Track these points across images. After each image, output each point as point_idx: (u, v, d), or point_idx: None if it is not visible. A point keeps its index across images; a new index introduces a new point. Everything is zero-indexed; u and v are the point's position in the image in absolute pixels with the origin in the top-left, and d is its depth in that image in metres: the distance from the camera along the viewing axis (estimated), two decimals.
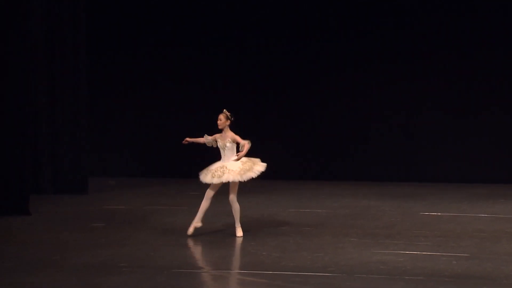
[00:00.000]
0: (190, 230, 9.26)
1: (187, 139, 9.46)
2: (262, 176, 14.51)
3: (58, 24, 12.71)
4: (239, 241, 9.13)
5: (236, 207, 9.32)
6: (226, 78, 14.72)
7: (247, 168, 9.20)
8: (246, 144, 9.24)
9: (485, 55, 13.96)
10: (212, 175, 9.16)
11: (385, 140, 14.39)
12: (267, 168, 14.73)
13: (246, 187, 13.48)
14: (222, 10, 14.69)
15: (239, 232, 9.26)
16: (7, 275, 7.60)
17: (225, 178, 9.12)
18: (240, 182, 9.28)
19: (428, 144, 14.27)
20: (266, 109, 14.82)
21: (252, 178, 9.34)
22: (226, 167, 9.18)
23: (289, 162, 14.77)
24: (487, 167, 13.97)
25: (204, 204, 9.31)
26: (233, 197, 9.30)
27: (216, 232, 9.62)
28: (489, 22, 13.95)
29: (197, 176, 9.47)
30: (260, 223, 10.25)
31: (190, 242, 9.09)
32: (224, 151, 9.32)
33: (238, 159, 9.18)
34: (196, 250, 8.70)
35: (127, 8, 14.85)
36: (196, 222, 9.29)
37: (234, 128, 14.54)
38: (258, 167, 9.33)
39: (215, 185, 9.24)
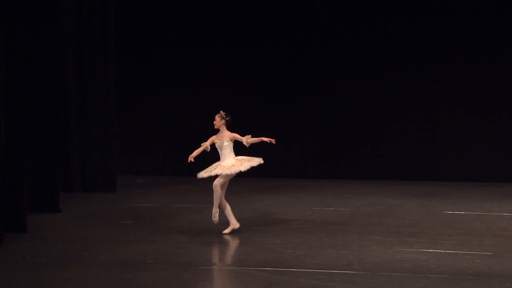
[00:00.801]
0: (227, 230, 9.31)
1: (190, 157, 9.43)
2: (288, 174, 14.62)
3: (88, 25, 12.81)
4: (264, 239, 9.14)
5: (217, 193, 9.28)
6: (256, 79, 14.74)
7: (239, 164, 9.19)
8: (250, 137, 9.22)
9: (510, 54, 13.87)
10: (205, 171, 9.21)
11: (409, 139, 14.33)
12: (294, 167, 14.86)
13: (270, 187, 13.54)
14: (245, 12, 14.70)
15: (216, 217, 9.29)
16: (39, 271, 7.68)
17: (214, 172, 9.14)
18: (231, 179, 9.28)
19: (452, 143, 14.19)
20: (292, 109, 14.82)
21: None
22: (220, 164, 9.22)
23: (313, 161, 14.77)
24: (511, 165, 13.88)
25: (226, 206, 9.33)
26: (217, 183, 9.26)
27: (241, 230, 9.64)
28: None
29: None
30: (285, 221, 10.26)
31: (216, 240, 9.12)
32: (221, 150, 9.33)
33: (249, 143, 9.17)
34: (222, 247, 8.73)
35: (156, 7, 14.90)
36: (234, 224, 9.33)
37: (260, 127, 14.62)
38: (250, 162, 9.24)
39: (222, 184, 9.20)
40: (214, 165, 9.34)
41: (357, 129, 14.57)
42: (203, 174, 9.31)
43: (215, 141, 9.40)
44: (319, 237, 9.21)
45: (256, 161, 9.29)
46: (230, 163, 9.21)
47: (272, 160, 14.96)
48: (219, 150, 9.39)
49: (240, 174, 11.69)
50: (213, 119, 9.53)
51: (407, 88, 14.32)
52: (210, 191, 13.01)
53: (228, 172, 9.16)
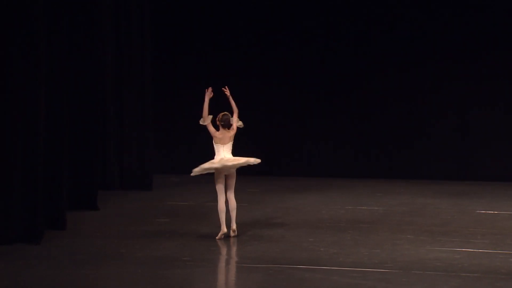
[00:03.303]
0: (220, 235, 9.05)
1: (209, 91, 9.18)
2: (320, 173, 14.58)
3: (126, 26, 12.91)
4: (297, 237, 9.12)
5: (233, 205, 9.09)
6: (287, 78, 14.73)
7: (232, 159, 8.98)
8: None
9: None
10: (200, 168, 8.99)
11: (442, 138, 14.21)
12: (326, 166, 14.80)
13: (303, 185, 13.51)
14: (282, 12, 14.69)
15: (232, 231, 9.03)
16: (78, 267, 7.75)
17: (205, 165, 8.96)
18: (236, 179, 9.08)
19: (485, 142, 14.05)
20: (325, 108, 14.78)
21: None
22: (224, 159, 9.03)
23: (346, 160, 14.71)
24: None
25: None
26: (230, 194, 9.10)
27: (275, 228, 9.64)
28: None
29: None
30: (318, 220, 10.23)
31: (249, 237, 9.12)
32: (224, 146, 9.14)
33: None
34: (256, 245, 8.73)
35: (190, 8, 14.95)
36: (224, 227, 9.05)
37: (292, 126, 14.50)
38: (242, 160, 9.02)
39: (220, 180, 9.01)
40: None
41: (390, 128, 14.49)
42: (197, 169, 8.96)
43: (220, 137, 9.11)
44: (352, 236, 9.17)
45: (249, 160, 9.02)
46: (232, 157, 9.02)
47: (304, 159, 15.01)
48: (221, 146, 9.09)
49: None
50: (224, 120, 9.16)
51: (441, 87, 14.21)
52: (243, 189, 13.07)
53: (217, 166, 8.95)
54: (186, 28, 14.97)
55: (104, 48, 12.32)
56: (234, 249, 8.53)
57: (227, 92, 9.31)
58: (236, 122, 9.22)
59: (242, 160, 9.09)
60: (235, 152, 9.27)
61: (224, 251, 8.46)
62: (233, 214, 9.12)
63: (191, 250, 8.47)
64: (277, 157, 14.74)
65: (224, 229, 8.98)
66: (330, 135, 14.66)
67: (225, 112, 9.22)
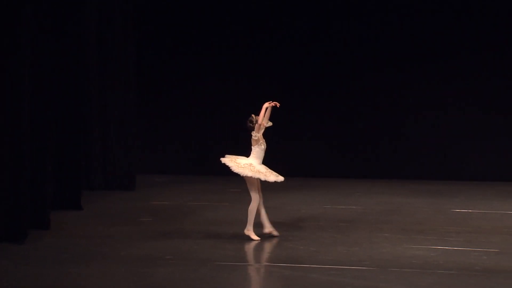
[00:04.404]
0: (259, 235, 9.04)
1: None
2: (300, 173, 14.61)
3: (109, 25, 12.84)
4: (277, 235, 9.14)
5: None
6: (269, 77, 14.75)
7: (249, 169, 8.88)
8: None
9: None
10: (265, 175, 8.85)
11: (419, 138, 14.30)
12: (306, 165, 14.84)
13: (283, 185, 13.52)
14: (266, 11, 14.70)
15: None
16: (62, 266, 7.72)
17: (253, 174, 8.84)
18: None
19: (460, 142, 14.16)
20: (305, 108, 14.82)
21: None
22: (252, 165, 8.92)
23: (325, 159, 14.77)
24: None
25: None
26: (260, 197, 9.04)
27: (255, 227, 9.66)
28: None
29: (237, 174, 9.33)
30: (298, 219, 10.26)
31: (230, 236, 9.14)
32: (255, 147, 9.04)
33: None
34: (236, 244, 8.75)
35: (175, 7, 14.92)
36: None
37: (273, 126, 14.37)
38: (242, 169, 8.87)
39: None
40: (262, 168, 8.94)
41: (368, 129, 14.56)
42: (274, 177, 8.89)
43: (260, 137, 9.00)
44: (331, 234, 9.21)
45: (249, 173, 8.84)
46: (242, 162, 8.95)
47: (284, 158, 15.04)
48: (259, 146, 8.97)
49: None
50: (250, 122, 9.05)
51: (418, 88, 14.29)
52: (225, 189, 13.10)
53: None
54: (170, 27, 14.93)
55: (87, 48, 12.27)
56: (215, 248, 8.53)
57: (272, 104, 9.08)
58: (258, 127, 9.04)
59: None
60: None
61: (205, 250, 8.46)
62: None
63: (174, 249, 8.47)
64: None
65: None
66: (310, 135, 14.71)
67: (252, 115, 9.10)
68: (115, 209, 11.14)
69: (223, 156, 9.18)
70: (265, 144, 9.03)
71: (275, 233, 9.02)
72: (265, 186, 13.76)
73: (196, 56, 14.88)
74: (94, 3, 12.62)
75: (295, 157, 14.79)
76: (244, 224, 9.55)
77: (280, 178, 8.94)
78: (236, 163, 8.91)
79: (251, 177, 8.83)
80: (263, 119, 9.00)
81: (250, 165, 8.88)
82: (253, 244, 8.75)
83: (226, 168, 8.91)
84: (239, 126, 14.98)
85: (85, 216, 10.50)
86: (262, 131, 9.02)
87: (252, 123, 9.04)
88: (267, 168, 8.98)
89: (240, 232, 9.32)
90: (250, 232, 8.95)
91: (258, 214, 9.03)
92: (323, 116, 14.73)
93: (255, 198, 8.96)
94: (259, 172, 8.82)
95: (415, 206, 11.30)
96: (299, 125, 14.74)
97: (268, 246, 8.59)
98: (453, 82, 14.16)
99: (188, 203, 11.61)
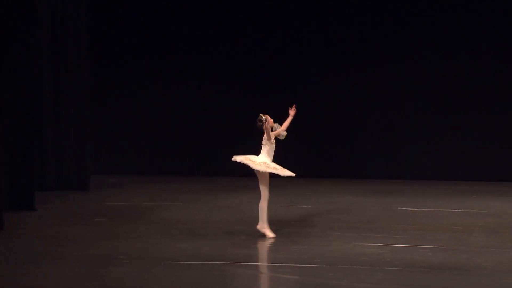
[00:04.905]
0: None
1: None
2: (253, 173, 14.63)
3: (62, 27, 12.68)
4: (230, 234, 9.18)
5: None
6: (226, 78, 14.76)
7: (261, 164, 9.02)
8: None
9: (469, 55, 14.06)
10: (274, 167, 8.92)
11: (368, 139, 14.46)
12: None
13: (237, 185, 13.58)
14: (224, 11, 14.69)
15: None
16: (16, 266, 7.63)
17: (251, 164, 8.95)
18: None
19: (407, 143, 14.35)
20: (258, 108, 14.83)
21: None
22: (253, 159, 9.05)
23: (277, 159, 14.82)
24: (462, 165, 14.09)
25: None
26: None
27: (208, 226, 9.68)
28: (475, 22, 14.01)
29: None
30: (250, 218, 10.30)
31: (184, 235, 9.14)
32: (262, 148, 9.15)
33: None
34: (190, 243, 8.75)
35: (129, 9, 14.84)
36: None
37: (230, 127, 14.43)
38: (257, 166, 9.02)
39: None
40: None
41: (318, 128, 14.66)
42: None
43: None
44: (283, 233, 9.27)
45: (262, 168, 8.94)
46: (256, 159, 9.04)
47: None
48: (270, 144, 9.07)
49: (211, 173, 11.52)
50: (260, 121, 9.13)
51: (367, 89, 14.43)
52: (179, 189, 13.08)
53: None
54: (127, 27, 14.83)
55: (41, 48, 12.13)
56: (169, 247, 8.53)
57: (293, 112, 9.19)
58: (274, 131, 9.13)
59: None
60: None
61: (159, 249, 8.45)
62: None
63: (127, 249, 8.43)
64: (211, 157, 14.76)
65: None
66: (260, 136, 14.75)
67: (260, 114, 9.17)
68: (69, 210, 11.03)
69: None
70: (275, 142, 9.11)
71: (268, 233, 8.91)
72: (218, 186, 13.77)
73: (153, 58, 14.82)
74: (47, 10, 12.49)
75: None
76: (196, 223, 9.55)
77: (292, 174, 9.00)
78: (251, 161, 8.93)
79: (265, 174, 8.85)
80: (271, 131, 9.09)
81: (264, 163, 8.94)
82: (206, 242, 8.76)
83: (240, 167, 8.96)
84: (194, 127, 15.03)
85: (39, 217, 10.39)
86: (273, 136, 9.07)
87: (262, 122, 9.08)
88: (278, 165, 9.02)
89: (193, 231, 9.32)
90: (265, 229, 8.90)
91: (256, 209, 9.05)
92: (275, 115, 14.79)
93: (266, 196, 8.99)
94: (275, 168, 8.92)
95: (365, 205, 11.44)
96: (252, 125, 14.76)
97: (221, 245, 8.61)
98: (401, 83, 14.34)
99: (142, 203, 11.56)
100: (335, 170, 14.54)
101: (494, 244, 8.61)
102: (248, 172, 15.28)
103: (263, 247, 8.49)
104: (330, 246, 8.54)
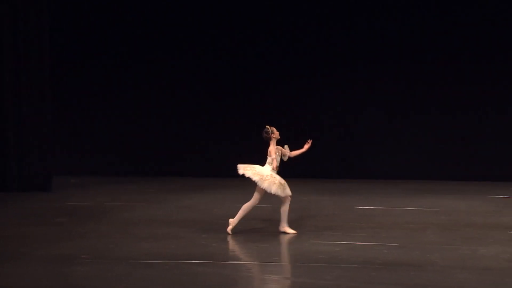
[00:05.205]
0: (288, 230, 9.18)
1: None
2: (214, 173, 14.70)
3: (24, 27, 12.58)
4: (191, 233, 9.22)
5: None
6: (190, 79, 14.78)
7: (265, 179, 9.12)
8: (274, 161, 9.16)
9: (421, 59, 14.29)
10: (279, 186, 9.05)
11: (325, 138, 14.60)
12: (220, 166, 14.94)
13: (199, 185, 13.61)
14: (191, 13, 14.71)
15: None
16: None
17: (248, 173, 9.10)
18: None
19: (364, 142, 14.52)
20: (219, 110, 14.91)
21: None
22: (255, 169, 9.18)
23: (238, 160, 14.89)
24: (416, 164, 14.33)
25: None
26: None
27: (171, 226, 9.71)
28: (424, 24, 14.24)
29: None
30: (211, 218, 10.35)
31: (146, 235, 9.16)
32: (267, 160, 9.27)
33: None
34: (152, 242, 8.78)
35: (92, 8, 14.77)
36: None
37: (194, 127, 14.27)
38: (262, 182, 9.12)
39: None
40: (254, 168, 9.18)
41: (278, 129, 14.75)
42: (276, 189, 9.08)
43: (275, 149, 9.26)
44: (243, 232, 9.34)
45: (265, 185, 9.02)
46: (264, 173, 9.15)
47: (199, 159, 15.11)
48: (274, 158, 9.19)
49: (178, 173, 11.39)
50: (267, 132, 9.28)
51: (324, 89, 14.57)
52: (142, 190, 13.06)
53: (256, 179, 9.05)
54: (86, 31, 14.77)
55: (1, 51, 12.02)
56: (131, 247, 8.55)
57: (307, 146, 9.36)
58: (280, 152, 9.24)
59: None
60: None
61: (121, 248, 8.47)
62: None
63: (90, 249, 8.43)
64: (174, 157, 14.77)
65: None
66: (224, 136, 14.82)
67: (266, 126, 9.30)
68: (31, 210, 10.96)
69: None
70: (283, 150, 9.33)
71: (289, 230, 9.14)
72: (180, 186, 13.75)
73: (116, 57, 14.77)
74: (9, 10, 12.38)
75: (209, 157, 14.87)
76: (158, 222, 9.57)
77: (289, 193, 9.15)
78: (259, 175, 9.05)
79: (264, 186, 8.97)
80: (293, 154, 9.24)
81: (271, 175, 9.09)
82: (168, 242, 8.80)
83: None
84: (157, 127, 15.01)
85: (1, 217, 10.30)
86: (277, 160, 9.19)
87: (268, 134, 9.25)
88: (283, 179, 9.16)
89: (156, 231, 9.35)
90: (286, 228, 9.05)
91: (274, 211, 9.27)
92: (237, 116, 14.87)
93: (255, 202, 9.16)
94: (280, 185, 9.07)
95: (322, 203, 11.57)
96: (214, 126, 14.83)
97: (183, 244, 8.66)
98: (359, 84, 14.51)
99: (105, 203, 11.54)
100: (293, 169, 14.64)
101: (446, 241, 8.79)
102: (211, 173, 15.33)
103: (222, 246, 8.56)
104: (288, 244, 8.64)
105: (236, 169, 8.92)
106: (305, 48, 14.55)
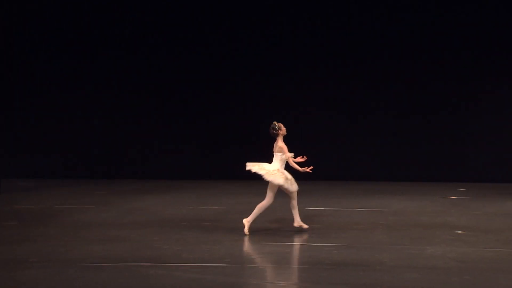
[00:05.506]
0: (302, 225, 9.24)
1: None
2: (164, 176, 14.63)
3: None
4: (143, 236, 9.15)
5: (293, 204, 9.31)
6: (142, 82, 14.71)
7: (274, 174, 9.16)
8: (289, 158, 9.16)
9: (364, 62, 14.48)
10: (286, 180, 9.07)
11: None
12: (169, 168, 14.90)
13: (152, 187, 13.53)
14: (124, 15, 14.64)
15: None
16: None
17: (258, 171, 9.11)
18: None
19: (314, 144, 14.64)
20: (165, 112, 14.86)
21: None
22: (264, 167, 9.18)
23: (189, 161, 14.85)
24: (365, 166, 14.49)
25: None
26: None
27: (121, 228, 9.62)
28: (373, 26, 14.44)
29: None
30: (162, 220, 10.30)
31: (97, 237, 9.06)
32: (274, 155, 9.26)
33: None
34: (102, 245, 8.68)
35: (38, 13, 14.60)
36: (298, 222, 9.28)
37: (141, 129, 14.28)
38: (273, 176, 9.18)
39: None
40: (262, 165, 9.19)
41: (228, 130, 14.79)
42: (284, 181, 9.11)
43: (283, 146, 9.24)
44: (194, 234, 9.31)
45: (281, 181, 9.07)
46: (270, 168, 9.17)
47: (150, 161, 15.02)
48: (282, 153, 9.20)
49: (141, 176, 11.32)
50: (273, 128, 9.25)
51: (264, 92, 14.67)
52: (91, 193, 12.91)
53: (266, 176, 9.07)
54: (33, 32, 14.57)
55: None
56: (81, 249, 8.43)
57: (306, 170, 9.33)
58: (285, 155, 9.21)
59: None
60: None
61: (71, 251, 8.35)
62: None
63: (39, 252, 8.29)
64: (124, 160, 14.66)
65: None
66: (171, 138, 14.77)
67: (274, 122, 9.25)
68: None
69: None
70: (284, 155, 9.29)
71: (304, 226, 9.30)
72: (130, 189, 13.63)
73: (63, 59, 14.63)
74: None
75: (159, 160, 14.80)
76: (108, 225, 9.47)
77: (297, 188, 9.27)
78: (265, 170, 9.13)
79: (275, 183, 9.06)
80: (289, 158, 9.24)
81: (278, 170, 9.16)
82: (119, 244, 8.71)
83: (255, 175, 9.05)
84: (106, 130, 14.87)
85: None
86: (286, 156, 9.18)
87: (275, 130, 9.23)
88: (291, 175, 9.24)
89: (106, 234, 9.24)
90: (247, 223, 9.13)
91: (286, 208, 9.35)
92: (181, 119, 14.84)
93: (270, 200, 9.26)
94: (286, 179, 9.13)
95: (273, 205, 11.57)
96: (162, 129, 14.77)
97: (134, 247, 8.58)
98: (306, 87, 14.62)
99: (54, 206, 11.37)
100: (243, 171, 14.69)
101: (395, 241, 8.89)
102: (162, 175, 15.29)
103: (173, 248, 8.50)
104: (240, 246, 8.63)
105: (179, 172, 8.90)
106: (255, 51, 14.60)
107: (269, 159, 15.05)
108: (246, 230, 9.19)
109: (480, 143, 14.51)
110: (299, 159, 9.44)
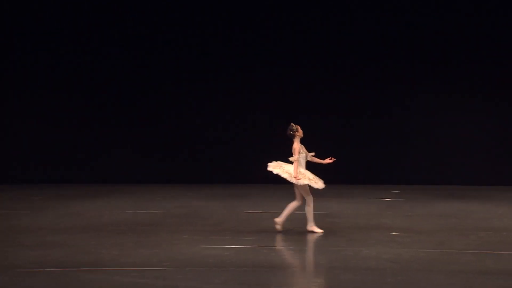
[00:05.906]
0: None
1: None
2: (102, 180, 14.44)
3: None
4: (80, 240, 9.01)
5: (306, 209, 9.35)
6: (82, 86, 14.55)
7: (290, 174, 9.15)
8: (294, 163, 9.13)
9: (306, 65, 14.63)
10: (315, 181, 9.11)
11: (213, 144, 14.68)
12: (107, 172, 14.73)
13: (90, 192, 13.33)
14: (89, 17, 14.48)
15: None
16: None
17: (279, 172, 9.13)
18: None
19: (253, 148, 14.69)
20: (109, 117, 14.71)
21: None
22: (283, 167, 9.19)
23: (127, 165, 14.73)
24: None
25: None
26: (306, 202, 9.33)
27: (58, 233, 9.46)
28: (349, 29, 14.59)
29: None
30: (100, 224, 10.16)
31: (34, 243, 8.88)
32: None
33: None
34: (38, 250, 8.51)
35: (23, 12, 14.34)
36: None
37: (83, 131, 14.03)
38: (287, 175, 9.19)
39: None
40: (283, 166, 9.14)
41: (166, 135, 14.73)
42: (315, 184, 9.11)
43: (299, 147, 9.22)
44: (133, 238, 9.21)
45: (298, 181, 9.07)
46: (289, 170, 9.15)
47: (87, 166, 14.81)
48: (300, 154, 9.19)
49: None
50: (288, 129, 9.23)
51: (220, 96, 14.68)
52: (27, 197, 12.65)
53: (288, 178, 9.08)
54: (9, 35, 14.30)
55: None
56: (18, 254, 8.25)
57: (329, 160, 9.37)
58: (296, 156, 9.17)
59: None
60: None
61: (6, 257, 8.15)
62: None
63: None
64: (62, 165, 14.46)
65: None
66: (115, 142, 14.63)
67: (291, 123, 9.22)
68: None
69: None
70: (306, 152, 9.27)
71: (317, 230, 9.28)
72: (67, 193, 13.43)
73: (32, 60, 14.39)
74: None
75: (97, 164, 14.63)
76: (45, 230, 9.30)
77: (323, 186, 9.26)
78: (288, 173, 9.12)
79: (301, 183, 9.10)
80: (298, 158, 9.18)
81: (300, 172, 9.11)
82: (55, 249, 8.55)
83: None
84: (45, 134, 14.60)
85: None
86: (303, 156, 9.19)
87: (292, 131, 9.21)
88: (313, 174, 9.24)
89: (42, 239, 9.07)
90: (313, 227, 9.25)
91: (289, 210, 9.33)
92: (128, 122, 14.72)
93: (310, 200, 9.28)
94: (309, 179, 9.13)
95: (212, 208, 11.58)
96: (101, 132, 14.61)
97: (71, 252, 8.44)
98: (249, 91, 14.68)
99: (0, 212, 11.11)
100: (184, 175, 14.64)
101: (331, 243, 8.98)
102: (100, 179, 15.10)
103: (112, 253, 8.40)
104: (179, 250, 8.59)
105: (123, 175, 8.84)
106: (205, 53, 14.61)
107: (199, 168, 15.02)
108: (279, 228, 9.28)
109: (412, 146, 14.80)
110: (327, 161, 9.37)
